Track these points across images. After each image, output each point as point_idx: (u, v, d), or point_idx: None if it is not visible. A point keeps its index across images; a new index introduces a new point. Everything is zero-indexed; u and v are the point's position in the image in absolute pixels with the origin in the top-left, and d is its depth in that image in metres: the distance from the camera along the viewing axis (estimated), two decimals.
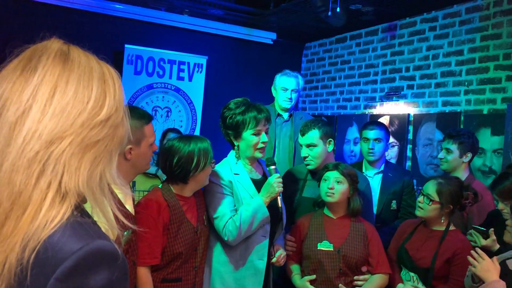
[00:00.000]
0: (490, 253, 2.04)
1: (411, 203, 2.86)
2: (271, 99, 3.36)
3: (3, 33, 3.85)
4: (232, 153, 2.30)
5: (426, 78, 4.05)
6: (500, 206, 2.17)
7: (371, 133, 2.94)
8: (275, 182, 2.14)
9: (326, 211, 2.42)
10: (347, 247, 2.29)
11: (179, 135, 3.90)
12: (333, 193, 2.31)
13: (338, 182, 2.32)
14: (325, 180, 2.36)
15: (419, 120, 4.09)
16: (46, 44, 0.79)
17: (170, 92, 4.73)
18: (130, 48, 4.45)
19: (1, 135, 0.73)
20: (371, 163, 3.00)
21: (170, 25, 4.74)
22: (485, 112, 3.51)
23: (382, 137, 2.95)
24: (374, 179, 2.95)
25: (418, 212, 2.36)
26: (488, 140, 3.44)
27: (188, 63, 4.77)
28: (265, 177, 2.32)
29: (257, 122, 2.18)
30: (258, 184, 2.24)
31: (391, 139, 4.10)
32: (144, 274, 1.87)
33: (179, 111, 4.79)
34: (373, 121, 3.45)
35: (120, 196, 1.66)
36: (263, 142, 2.21)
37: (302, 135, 2.55)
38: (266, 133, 2.25)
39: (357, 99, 4.87)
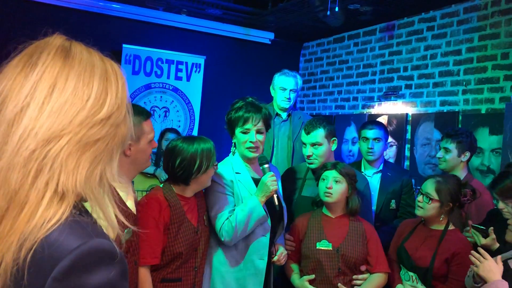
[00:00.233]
0: (490, 252, 2.03)
1: (410, 203, 2.87)
2: (269, 99, 3.35)
3: (1, 33, 3.84)
4: (236, 152, 2.32)
5: (424, 78, 4.06)
6: (501, 205, 2.16)
7: (371, 133, 2.94)
8: (268, 181, 2.13)
9: (324, 211, 2.42)
10: (346, 246, 2.28)
11: (177, 135, 3.92)
12: (331, 193, 2.31)
13: (336, 181, 2.32)
14: (324, 179, 2.35)
15: (417, 120, 4.09)
16: (48, 40, 0.78)
17: (168, 92, 4.72)
18: (128, 48, 4.44)
19: (0, 132, 0.72)
20: (370, 162, 3.00)
21: (168, 25, 4.73)
22: (483, 111, 3.52)
23: (382, 137, 2.95)
24: (373, 179, 2.94)
25: (418, 212, 2.36)
26: (486, 139, 3.44)
27: (186, 63, 4.76)
28: None
29: (245, 121, 2.19)
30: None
31: (389, 139, 4.10)
32: (144, 274, 1.86)
33: (177, 111, 4.78)
34: (372, 120, 3.46)
35: (122, 194, 1.66)
36: (251, 141, 2.20)
37: (307, 133, 2.54)
38: (260, 133, 2.23)
39: (355, 99, 4.88)
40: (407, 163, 4.19)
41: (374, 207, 2.87)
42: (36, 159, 0.70)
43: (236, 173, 2.24)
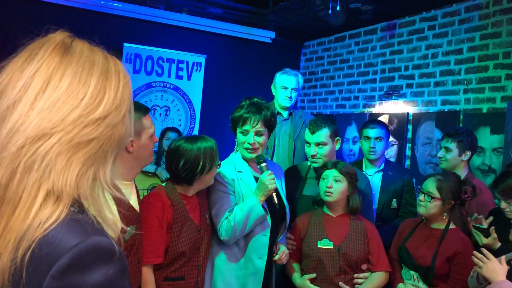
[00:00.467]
0: (491, 252, 2.02)
1: (411, 202, 2.86)
2: (270, 98, 3.35)
3: (1, 33, 3.84)
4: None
5: (425, 77, 4.05)
6: (503, 204, 2.16)
7: (372, 132, 2.94)
8: (266, 180, 2.13)
9: (325, 210, 2.42)
10: (347, 245, 2.28)
11: (178, 134, 3.92)
12: (332, 193, 2.30)
13: (336, 180, 2.31)
14: (324, 178, 2.35)
15: (418, 119, 4.08)
16: (51, 36, 0.77)
17: (169, 91, 4.72)
18: (129, 47, 4.44)
19: None
20: (371, 161, 2.99)
21: (168, 23, 4.73)
22: (484, 111, 3.51)
23: (383, 136, 2.94)
24: (374, 178, 2.94)
25: (420, 210, 2.36)
26: (487, 139, 3.44)
27: (187, 62, 4.76)
28: None
29: (244, 121, 2.19)
30: None
31: (390, 138, 4.09)
32: (146, 273, 1.86)
33: (178, 110, 4.77)
34: (374, 119, 3.45)
35: (126, 192, 1.65)
36: (248, 143, 2.20)
37: (312, 133, 2.53)
38: (259, 134, 2.22)
39: (356, 98, 4.87)
40: (408, 162, 4.18)
41: (375, 206, 2.87)
42: (24, 155, 0.68)
43: (238, 171, 2.24)
